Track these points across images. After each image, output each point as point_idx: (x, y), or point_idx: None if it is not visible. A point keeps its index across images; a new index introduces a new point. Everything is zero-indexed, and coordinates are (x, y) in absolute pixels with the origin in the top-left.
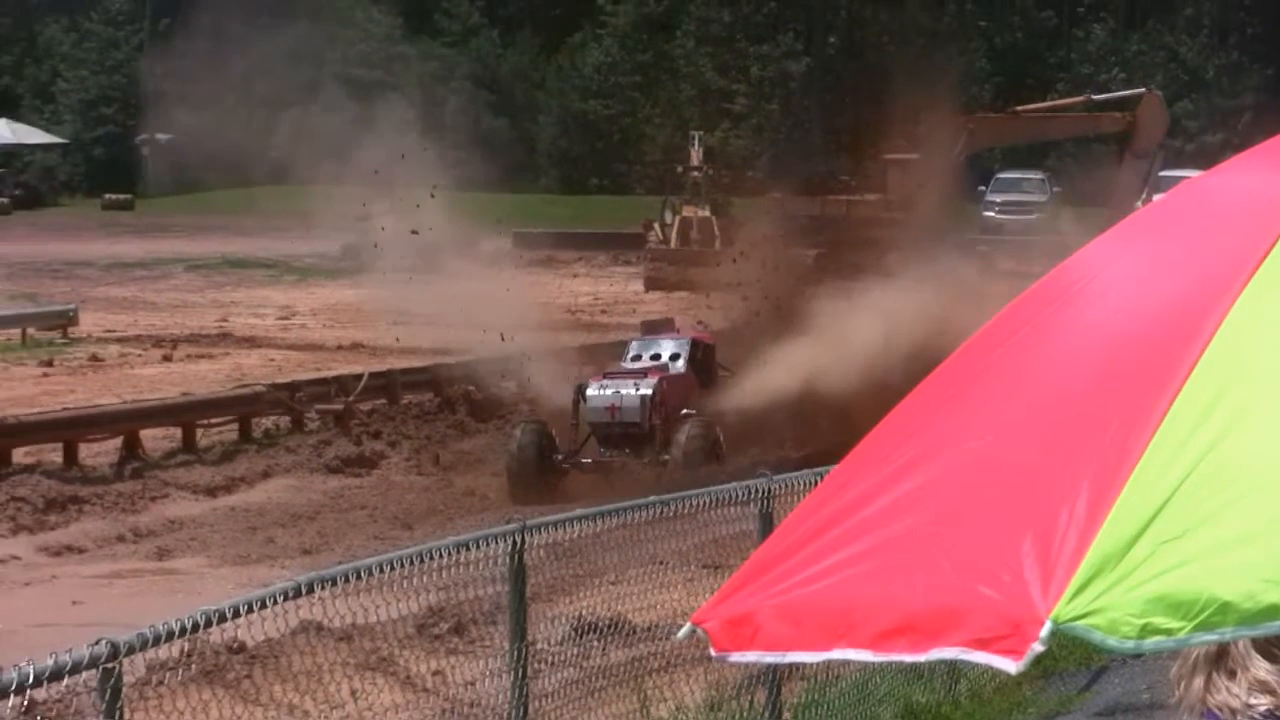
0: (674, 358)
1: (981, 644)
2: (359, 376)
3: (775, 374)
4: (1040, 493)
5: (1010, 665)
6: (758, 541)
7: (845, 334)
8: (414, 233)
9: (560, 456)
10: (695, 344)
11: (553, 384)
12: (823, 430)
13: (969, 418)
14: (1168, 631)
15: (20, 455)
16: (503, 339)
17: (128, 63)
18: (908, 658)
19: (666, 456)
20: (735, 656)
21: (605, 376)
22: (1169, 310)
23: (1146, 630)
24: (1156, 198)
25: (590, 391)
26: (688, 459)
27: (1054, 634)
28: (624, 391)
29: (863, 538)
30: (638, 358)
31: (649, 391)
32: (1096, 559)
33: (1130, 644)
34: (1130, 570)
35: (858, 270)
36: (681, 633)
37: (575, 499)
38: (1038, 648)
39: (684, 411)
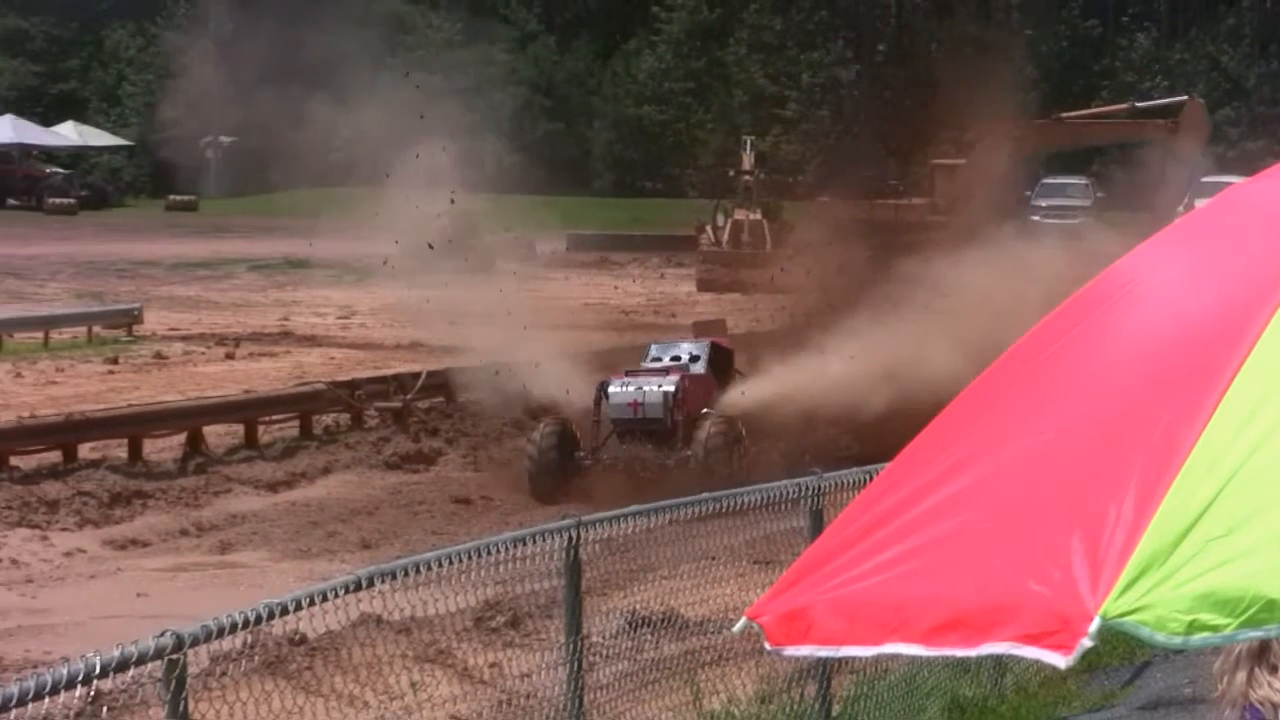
0: (693, 359)
1: (1032, 639)
2: (417, 375)
3: (807, 375)
4: (1089, 491)
5: (1060, 660)
6: (808, 538)
7: (882, 342)
8: (430, 246)
9: (582, 454)
10: (714, 347)
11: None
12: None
13: (1018, 417)
14: (1214, 628)
15: (86, 451)
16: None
17: (192, 67)
18: (959, 652)
19: (689, 453)
20: (789, 650)
21: (627, 374)
22: (1215, 312)
23: (1194, 626)
24: (1198, 203)
25: (613, 389)
26: (709, 455)
27: (1103, 629)
28: (646, 388)
29: (915, 534)
30: (658, 359)
31: (671, 388)
32: (1144, 556)
33: (1178, 640)
34: (1177, 567)
35: (905, 274)
36: (737, 627)
37: (597, 498)
38: (1087, 643)
39: (704, 411)
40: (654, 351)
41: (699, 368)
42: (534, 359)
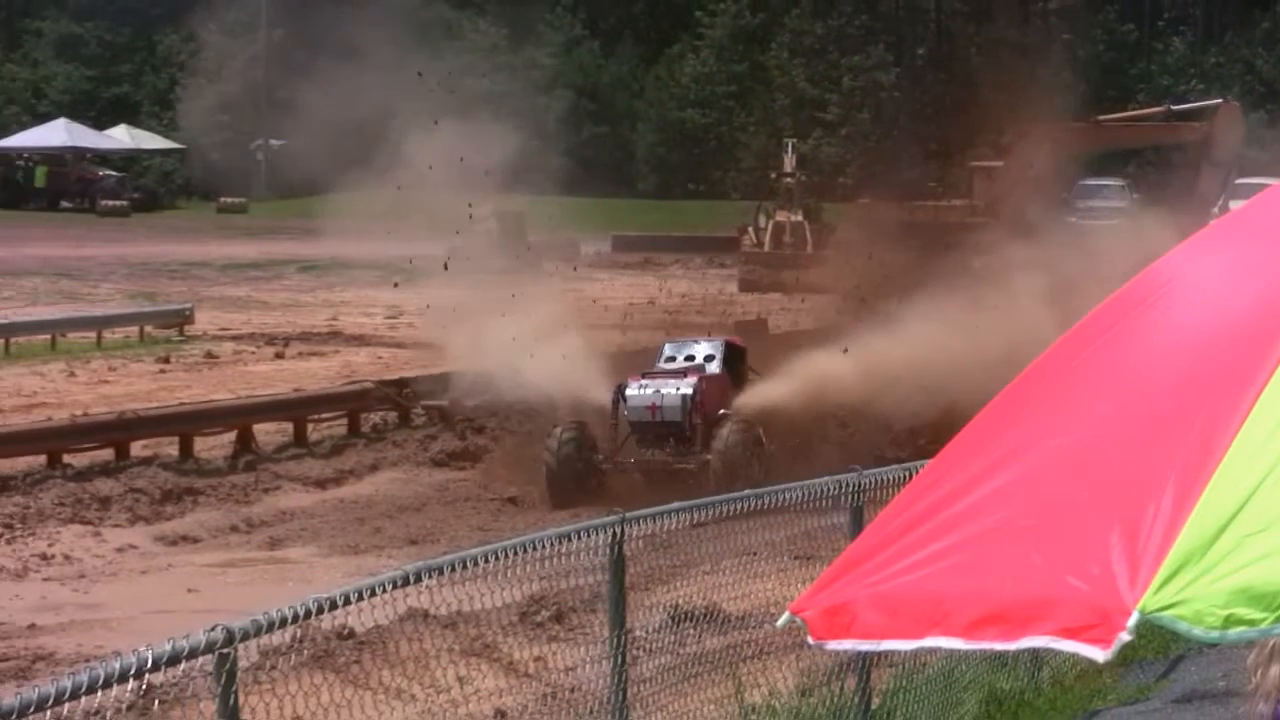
0: (708, 359)
1: (1070, 633)
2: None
3: (828, 377)
4: (1127, 488)
5: (1098, 654)
6: (848, 534)
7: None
8: (445, 267)
9: (601, 457)
10: (728, 346)
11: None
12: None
13: (1058, 415)
14: (1251, 622)
15: (138, 448)
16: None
17: (243, 71)
18: (999, 645)
19: (708, 457)
20: (832, 644)
21: (644, 376)
22: (1252, 313)
23: (1230, 621)
24: (1233, 205)
25: (630, 391)
26: (727, 459)
27: (1140, 624)
28: (664, 391)
29: (956, 530)
30: (672, 359)
31: (690, 391)
32: (1182, 551)
33: (1215, 634)
34: (1215, 563)
35: (942, 275)
36: (780, 621)
37: (615, 502)
38: (1125, 637)
39: (721, 412)
40: (668, 351)
41: (714, 367)
42: (571, 358)
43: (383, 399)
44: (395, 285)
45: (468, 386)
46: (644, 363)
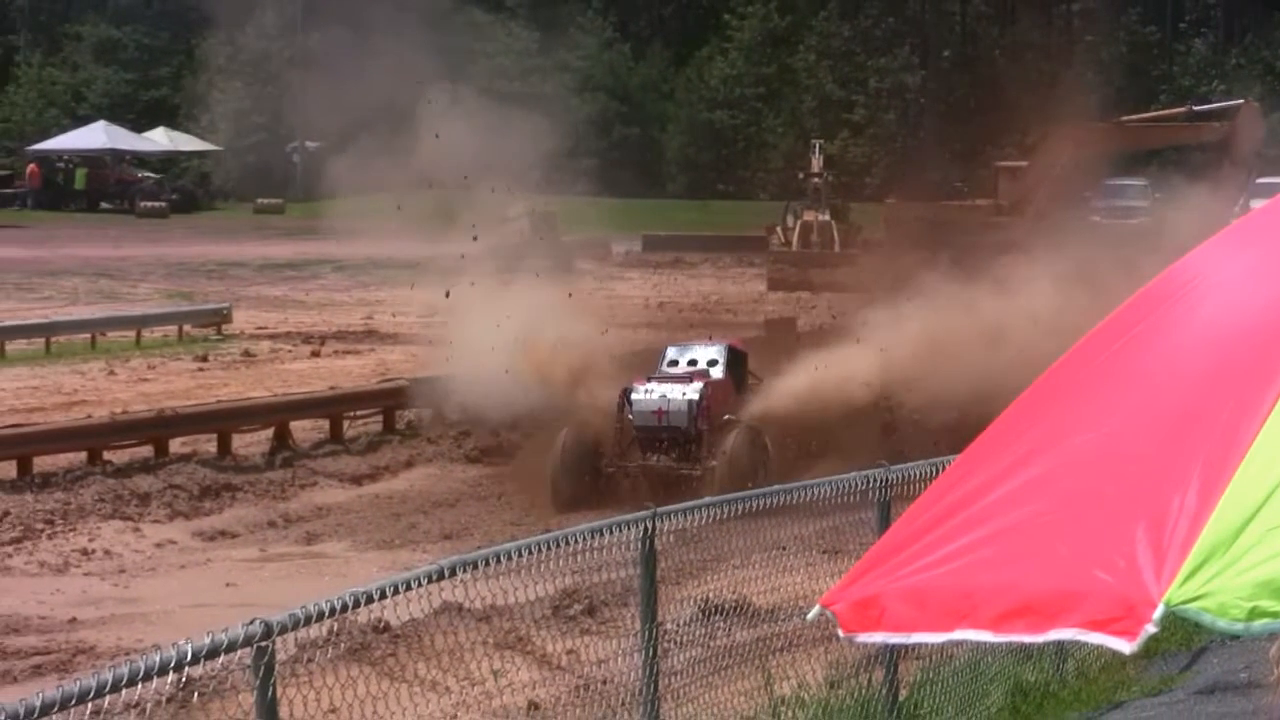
0: (711, 364)
1: (1097, 625)
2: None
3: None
4: (1153, 482)
5: (1125, 645)
6: (876, 529)
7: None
8: (447, 295)
9: (606, 461)
10: (730, 350)
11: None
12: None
13: (1084, 411)
14: (1275, 614)
15: (177, 445)
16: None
17: (279, 75)
18: (1026, 638)
19: (713, 463)
20: (862, 637)
21: (650, 380)
22: (1274, 310)
23: (1255, 613)
24: (1254, 204)
25: (636, 395)
26: (733, 466)
27: (1167, 616)
28: (671, 395)
29: (984, 524)
30: (674, 363)
31: (696, 396)
32: (1207, 545)
33: (1239, 626)
34: (1239, 556)
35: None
36: (810, 614)
37: (619, 507)
38: (1151, 629)
39: (725, 417)
40: (670, 354)
41: (718, 372)
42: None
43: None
44: (411, 287)
45: (450, 392)
46: (646, 365)
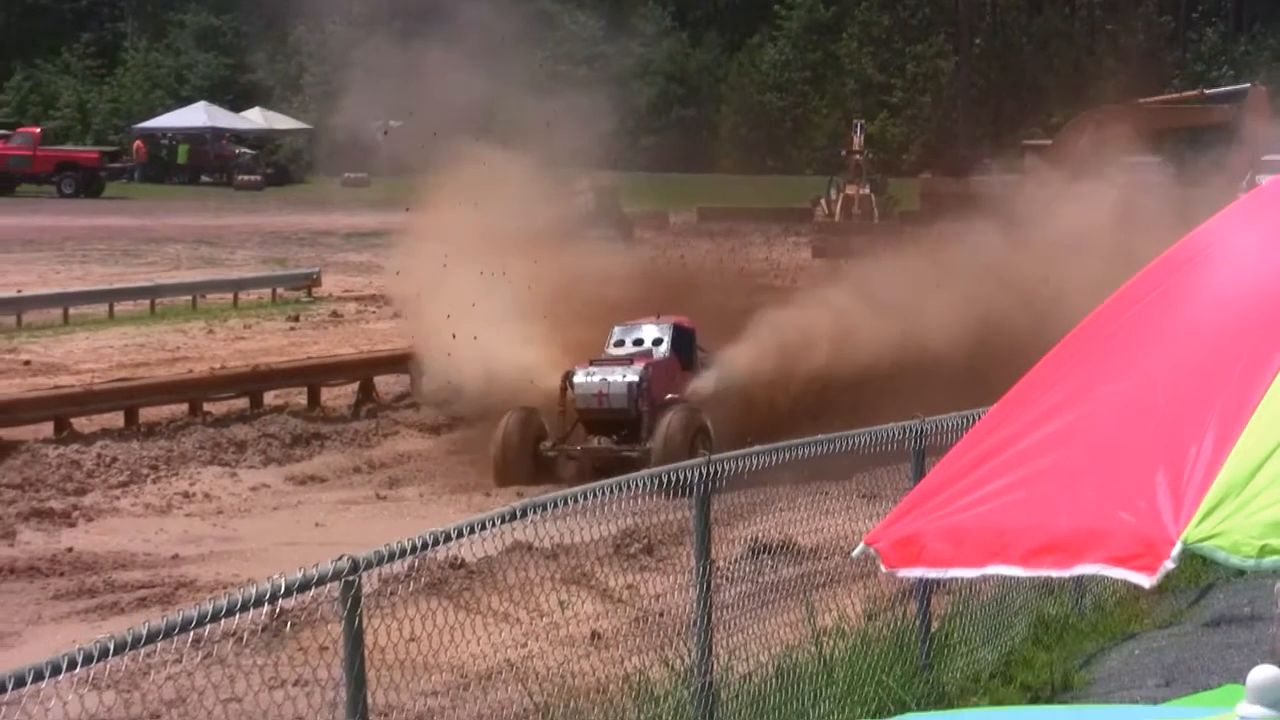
0: (656, 343)
1: (1120, 561)
2: None
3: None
4: (1172, 431)
5: (1145, 580)
6: (911, 475)
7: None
8: (444, 265)
9: (547, 444)
10: (676, 329)
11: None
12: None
13: (1110, 365)
14: None
15: (271, 398)
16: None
17: (365, 59)
18: (1054, 573)
19: (649, 446)
20: (903, 572)
21: (592, 364)
22: None
23: (1265, 550)
24: (1260, 179)
25: (578, 379)
26: (667, 445)
27: (1183, 553)
28: (611, 379)
29: (1016, 469)
30: (620, 343)
31: (636, 378)
32: (1221, 488)
33: (1250, 562)
34: (1251, 498)
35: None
36: (855, 551)
37: (559, 485)
38: (1169, 565)
39: (669, 397)
40: (617, 334)
41: (663, 351)
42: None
43: None
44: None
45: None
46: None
